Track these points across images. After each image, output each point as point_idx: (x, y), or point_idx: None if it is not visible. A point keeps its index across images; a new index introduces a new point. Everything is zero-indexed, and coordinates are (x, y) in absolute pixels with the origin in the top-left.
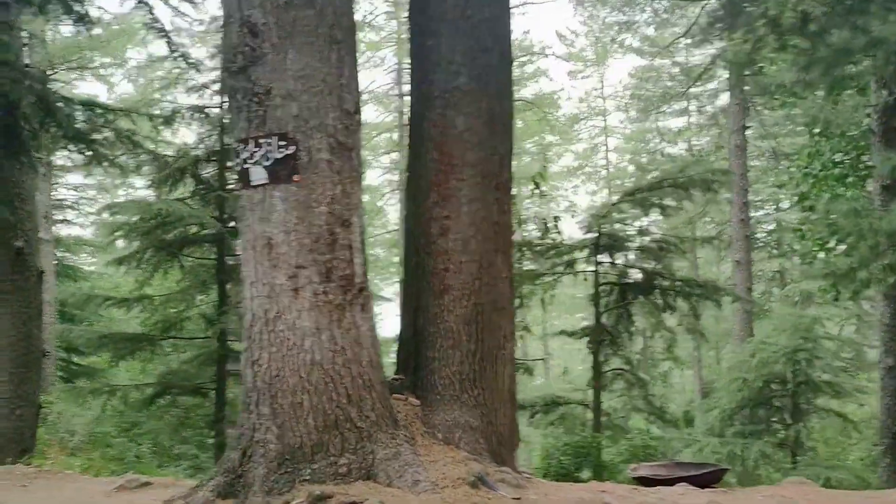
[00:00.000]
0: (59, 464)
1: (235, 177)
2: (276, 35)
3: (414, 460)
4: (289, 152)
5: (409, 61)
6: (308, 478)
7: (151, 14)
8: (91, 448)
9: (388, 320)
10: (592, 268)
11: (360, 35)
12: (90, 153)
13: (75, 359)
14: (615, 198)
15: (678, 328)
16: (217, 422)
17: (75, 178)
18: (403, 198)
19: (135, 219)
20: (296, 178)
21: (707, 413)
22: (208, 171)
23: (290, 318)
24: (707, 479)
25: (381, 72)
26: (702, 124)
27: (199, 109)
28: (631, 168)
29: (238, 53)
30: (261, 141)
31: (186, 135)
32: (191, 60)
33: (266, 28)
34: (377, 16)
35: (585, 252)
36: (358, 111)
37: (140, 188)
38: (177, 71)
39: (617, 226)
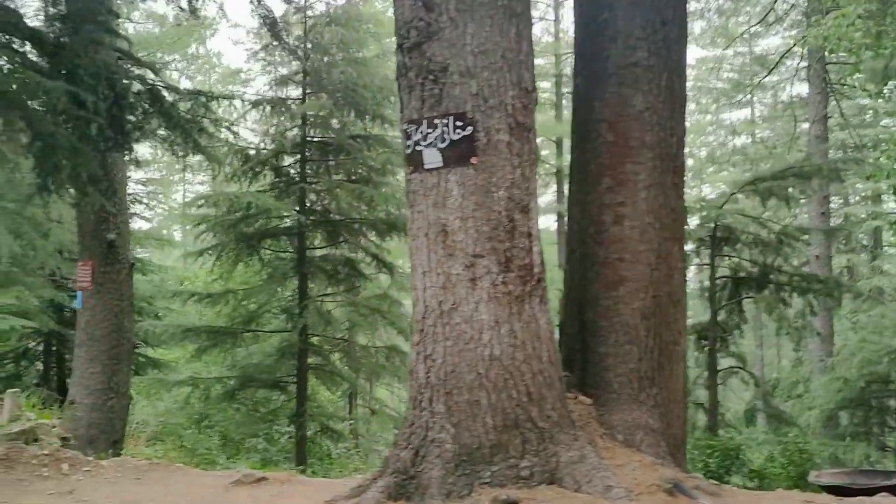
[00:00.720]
0: (136, 454)
1: (406, 160)
2: (455, 8)
3: (601, 464)
4: (466, 133)
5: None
6: (488, 481)
7: (259, 2)
8: (164, 439)
9: None
10: (707, 261)
11: None
12: (191, 143)
13: (139, 350)
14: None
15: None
16: (299, 416)
17: (137, 173)
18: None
19: (222, 211)
20: (473, 160)
21: (804, 413)
22: (288, 163)
23: (467, 310)
24: None
25: None
26: (766, 116)
27: (282, 101)
28: (689, 161)
29: (411, 29)
30: (436, 121)
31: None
32: (291, 48)
33: (442, 1)
34: None
35: (697, 244)
36: (535, 89)
37: (199, 183)
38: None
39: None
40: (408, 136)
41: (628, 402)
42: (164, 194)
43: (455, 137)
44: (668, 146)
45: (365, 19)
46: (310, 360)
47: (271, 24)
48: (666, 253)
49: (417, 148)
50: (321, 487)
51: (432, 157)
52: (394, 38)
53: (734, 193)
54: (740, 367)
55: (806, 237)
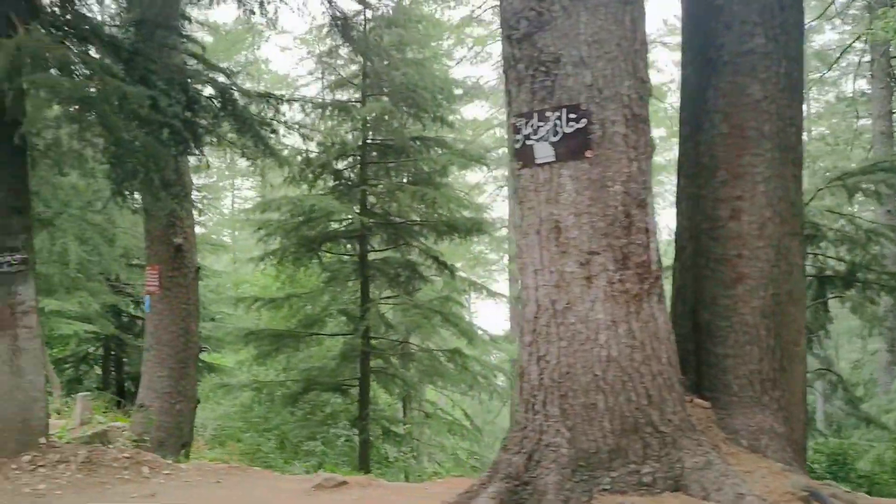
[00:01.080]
0: (200, 457)
1: (514, 155)
2: None
3: (729, 471)
4: (580, 126)
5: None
6: (608, 487)
7: (331, 3)
8: (224, 442)
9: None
10: None
11: (466, 30)
12: (262, 146)
13: None
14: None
15: None
16: (361, 420)
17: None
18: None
19: (285, 215)
20: (588, 154)
21: (881, 416)
22: (347, 166)
23: (582, 309)
24: None
25: (489, 67)
26: (821, 112)
27: (343, 104)
28: None
29: (522, 19)
30: (547, 114)
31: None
32: (361, 48)
33: None
34: (484, 10)
35: None
36: (649, 79)
37: (248, 189)
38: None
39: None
40: (517, 131)
41: (750, 406)
42: (215, 199)
43: (568, 130)
44: (787, 136)
45: (420, 20)
46: (371, 363)
47: (343, 25)
48: (786, 249)
49: (528, 142)
50: (402, 492)
51: (544, 152)
52: (442, 41)
53: (821, 189)
54: (826, 370)
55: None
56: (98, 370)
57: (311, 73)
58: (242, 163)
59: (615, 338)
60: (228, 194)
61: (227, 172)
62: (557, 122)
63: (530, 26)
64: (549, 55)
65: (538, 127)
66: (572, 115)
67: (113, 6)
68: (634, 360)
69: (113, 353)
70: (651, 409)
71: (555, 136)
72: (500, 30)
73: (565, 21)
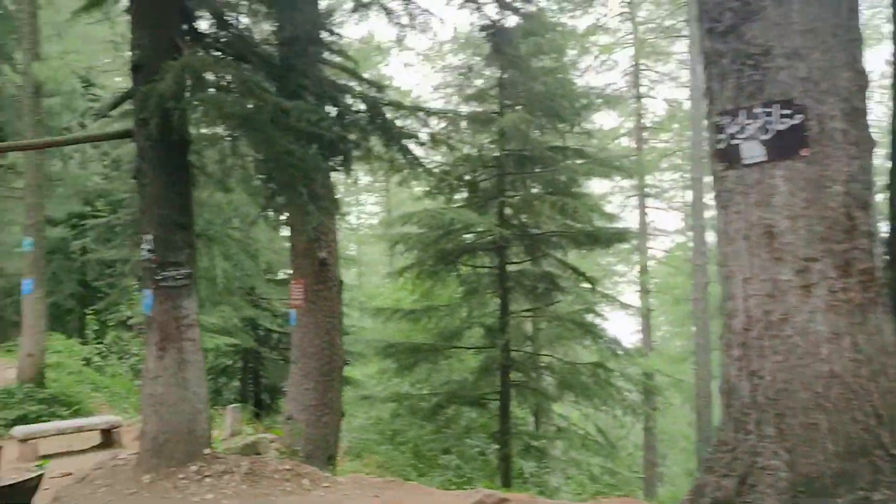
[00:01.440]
0: (341, 469)
1: (717, 156)
2: None
3: None
4: (795, 122)
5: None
6: None
7: (481, 10)
8: (361, 455)
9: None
10: None
11: (591, 38)
12: (409, 158)
13: None
14: None
15: None
16: (503, 434)
17: None
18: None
19: (424, 228)
20: (804, 152)
21: None
22: (485, 177)
23: (800, 320)
24: None
25: (616, 75)
26: None
27: (484, 115)
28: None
29: (726, 11)
30: (755, 111)
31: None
32: (511, 57)
33: None
34: (610, 18)
35: None
36: (866, 70)
37: (371, 204)
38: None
39: None
40: (720, 130)
41: None
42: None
43: (781, 127)
44: None
45: (555, 27)
46: (510, 377)
47: (492, 34)
48: None
49: (733, 141)
50: None
51: (752, 151)
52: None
53: None
54: None
55: None
56: (236, 382)
57: (436, 89)
58: (366, 178)
59: (838, 352)
60: (353, 210)
61: (352, 189)
62: (768, 118)
63: (736, 17)
64: (758, 47)
65: (746, 125)
66: (785, 111)
67: (253, 24)
68: (860, 376)
69: (251, 365)
70: (881, 429)
71: (765, 133)
72: (629, 36)
73: (776, 10)
